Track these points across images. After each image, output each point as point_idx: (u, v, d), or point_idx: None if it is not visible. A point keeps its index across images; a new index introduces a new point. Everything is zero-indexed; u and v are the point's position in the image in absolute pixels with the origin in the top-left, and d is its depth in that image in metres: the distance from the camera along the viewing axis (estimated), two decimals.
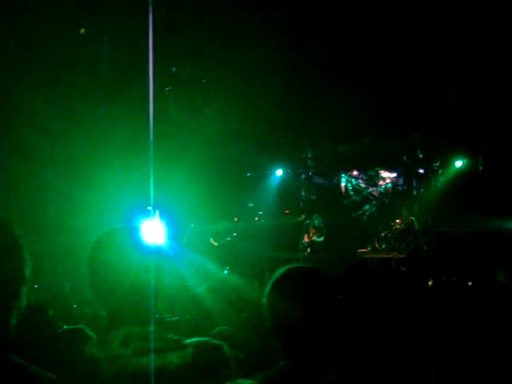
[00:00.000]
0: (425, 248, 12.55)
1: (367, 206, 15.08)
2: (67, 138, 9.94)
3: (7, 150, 9.51)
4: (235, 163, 14.26)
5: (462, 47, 9.92)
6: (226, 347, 1.79)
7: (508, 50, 9.64)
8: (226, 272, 11.18)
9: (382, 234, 12.58)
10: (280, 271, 2.07)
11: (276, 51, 10.48)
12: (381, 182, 14.96)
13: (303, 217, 13.30)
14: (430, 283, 8.61)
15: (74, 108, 10.00)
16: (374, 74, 11.14)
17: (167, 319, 3.89)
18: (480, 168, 12.85)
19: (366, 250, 12.58)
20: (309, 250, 12.99)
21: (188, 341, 1.73)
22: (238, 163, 14.40)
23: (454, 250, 11.34)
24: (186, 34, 10.37)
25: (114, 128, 10.73)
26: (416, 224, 12.02)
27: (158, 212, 10.64)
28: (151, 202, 10.32)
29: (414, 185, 14.44)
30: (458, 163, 13.18)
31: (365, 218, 14.98)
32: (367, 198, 15.14)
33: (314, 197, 15.54)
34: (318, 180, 15.76)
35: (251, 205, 15.54)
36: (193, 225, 13.52)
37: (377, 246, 12.53)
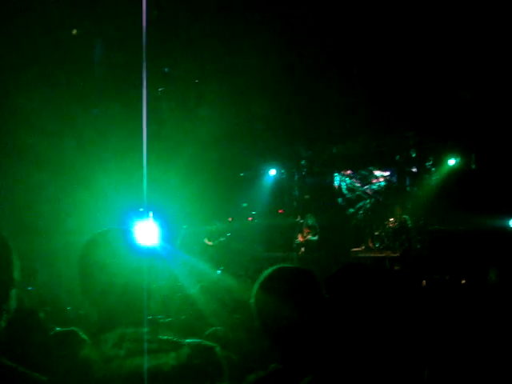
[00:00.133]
0: (418, 246, 12.58)
1: (361, 204, 15.10)
2: (60, 138, 9.90)
3: (0, 151, 9.47)
4: (229, 163, 14.25)
5: (454, 46, 9.95)
6: (218, 349, 1.78)
7: (501, 49, 9.69)
8: (219, 272, 11.16)
9: (376, 233, 12.59)
10: (267, 272, 2.06)
11: (269, 51, 10.49)
12: (374, 181, 14.98)
13: (299, 217, 13.28)
14: (423, 282, 8.62)
15: (67, 109, 9.98)
16: (366, 73, 11.17)
17: (161, 320, 3.88)
18: (473, 166, 12.87)
19: (359, 249, 12.58)
20: (303, 249, 12.97)
21: (181, 342, 1.73)
22: (231, 163, 14.40)
23: (448, 248, 11.38)
24: (179, 34, 10.37)
25: (107, 129, 10.71)
26: (409, 222, 12.03)
27: (151, 213, 10.61)
28: (144, 204, 10.29)
29: (408, 183, 14.47)
30: (451, 161, 13.17)
31: (358, 216, 15.00)
32: (361, 197, 15.15)
33: (307, 196, 15.54)
34: (312, 179, 15.77)
35: (245, 205, 15.52)
36: (185, 226, 13.47)
37: (370, 244, 12.54)
